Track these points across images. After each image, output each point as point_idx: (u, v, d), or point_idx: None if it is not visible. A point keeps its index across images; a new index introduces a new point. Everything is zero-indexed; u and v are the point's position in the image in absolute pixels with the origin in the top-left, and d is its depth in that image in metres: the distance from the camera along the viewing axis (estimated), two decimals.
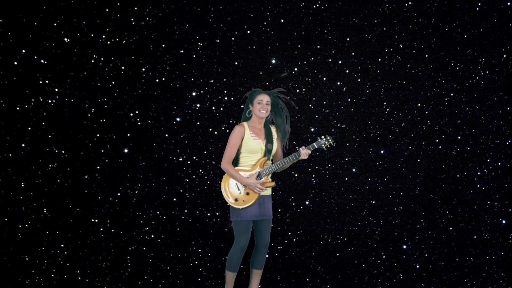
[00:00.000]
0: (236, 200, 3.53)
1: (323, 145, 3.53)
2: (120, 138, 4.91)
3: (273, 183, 3.59)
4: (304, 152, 3.49)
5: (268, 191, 3.65)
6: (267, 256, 3.85)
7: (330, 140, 3.52)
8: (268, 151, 3.58)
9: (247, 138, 3.56)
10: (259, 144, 3.57)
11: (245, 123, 3.62)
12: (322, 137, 3.54)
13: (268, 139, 3.61)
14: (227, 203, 3.58)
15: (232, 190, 3.56)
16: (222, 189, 3.60)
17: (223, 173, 3.73)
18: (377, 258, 5.32)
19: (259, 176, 3.53)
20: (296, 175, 5.26)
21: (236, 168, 3.59)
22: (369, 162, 5.33)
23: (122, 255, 4.94)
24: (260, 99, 3.58)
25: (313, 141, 3.56)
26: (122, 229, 4.95)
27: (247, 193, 3.53)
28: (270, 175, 3.60)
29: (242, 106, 3.91)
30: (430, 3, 5.23)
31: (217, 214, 5.10)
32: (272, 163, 3.63)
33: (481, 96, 5.31)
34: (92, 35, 4.75)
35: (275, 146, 3.65)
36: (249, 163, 3.58)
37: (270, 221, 3.67)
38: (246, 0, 5.05)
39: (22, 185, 4.67)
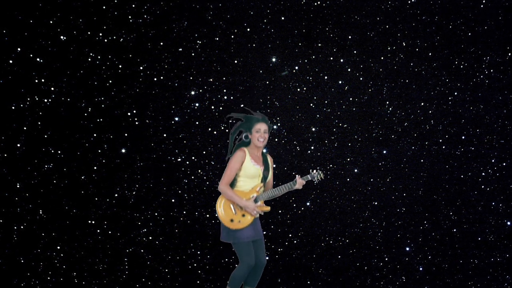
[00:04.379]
0: (231, 220, 3.64)
1: (315, 178, 3.70)
2: (117, 138, 4.88)
3: (269, 208, 3.71)
4: (300, 182, 3.67)
5: None
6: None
7: (321, 174, 3.71)
8: (264, 178, 3.73)
9: (247, 163, 3.67)
10: (258, 170, 3.70)
11: (245, 149, 3.71)
12: (315, 170, 3.71)
13: (265, 166, 3.75)
14: (221, 223, 3.69)
15: (227, 211, 3.67)
16: (218, 209, 3.71)
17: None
18: (380, 260, 5.29)
19: (255, 200, 3.66)
20: (297, 175, 5.23)
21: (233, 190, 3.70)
22: (371, 162, 5.31)
23: (119, 257, 4.91)
24: (258, 127, 3.69)
25: (307, 173, 3.71)
26: (120, 231, 4.92)
27: (243, 215, 3.64)
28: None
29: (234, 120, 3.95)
30: (434, 1, 5.20)
31: (216, 215, 5.06)
32: (264, 190, 3.75)
33: (486, 95, 5.30)
34: (88, 33, 4.72)
35: (271, 174, 3.79)
36: (246, 187, 3.69)
37: (263, 240, 3.79)
38: None
39: (18, 186, 4.64)
